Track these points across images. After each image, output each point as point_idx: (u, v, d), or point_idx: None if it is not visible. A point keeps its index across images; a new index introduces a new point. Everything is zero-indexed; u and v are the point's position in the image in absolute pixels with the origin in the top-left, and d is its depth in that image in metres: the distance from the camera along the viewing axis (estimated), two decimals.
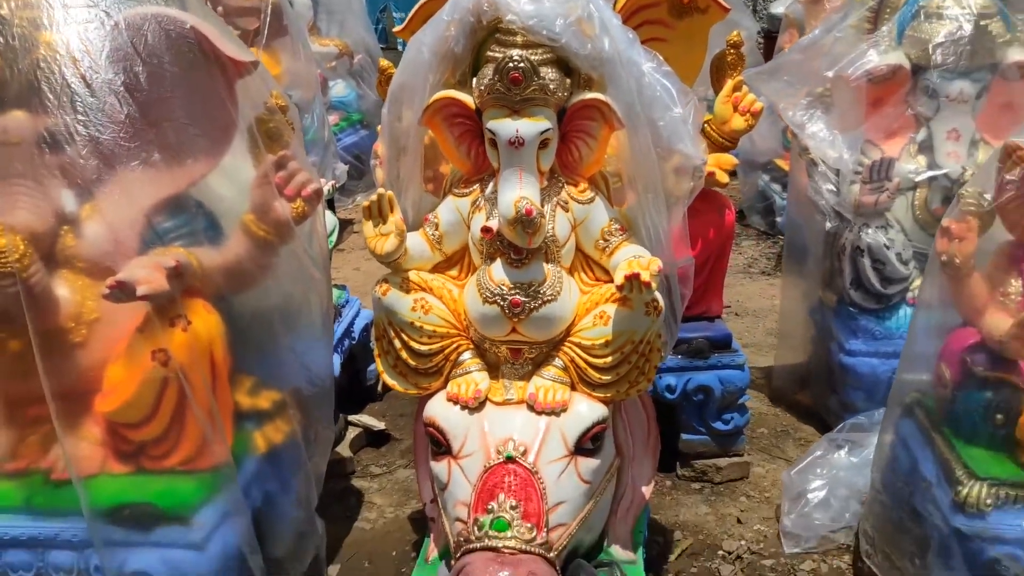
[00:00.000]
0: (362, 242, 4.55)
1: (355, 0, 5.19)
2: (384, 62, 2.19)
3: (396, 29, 2.11)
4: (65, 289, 1.56)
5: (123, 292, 1.42)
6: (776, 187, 4.32)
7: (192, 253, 1.57)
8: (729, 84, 2.11)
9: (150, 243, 1.58)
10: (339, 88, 5.08)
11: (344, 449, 2.29)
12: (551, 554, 1.34)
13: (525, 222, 1.37)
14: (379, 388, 2.69)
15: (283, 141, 1.69)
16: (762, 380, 2.71)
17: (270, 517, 1.70)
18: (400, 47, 6.78)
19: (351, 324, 2.49)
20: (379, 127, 2.15)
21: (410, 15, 1.97)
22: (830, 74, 2.27)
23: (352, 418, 2.42)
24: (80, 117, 1.50)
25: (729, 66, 2.14)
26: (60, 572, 1.54)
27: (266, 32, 3.58)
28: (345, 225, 4.50)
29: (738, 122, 2.09)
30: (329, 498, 1.99)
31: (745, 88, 2.11)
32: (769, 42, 5.72)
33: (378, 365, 1.55)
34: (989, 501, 1.57)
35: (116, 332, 1.56)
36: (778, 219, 4.26)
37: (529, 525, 1.34)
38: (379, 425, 2.42)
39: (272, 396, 1.77)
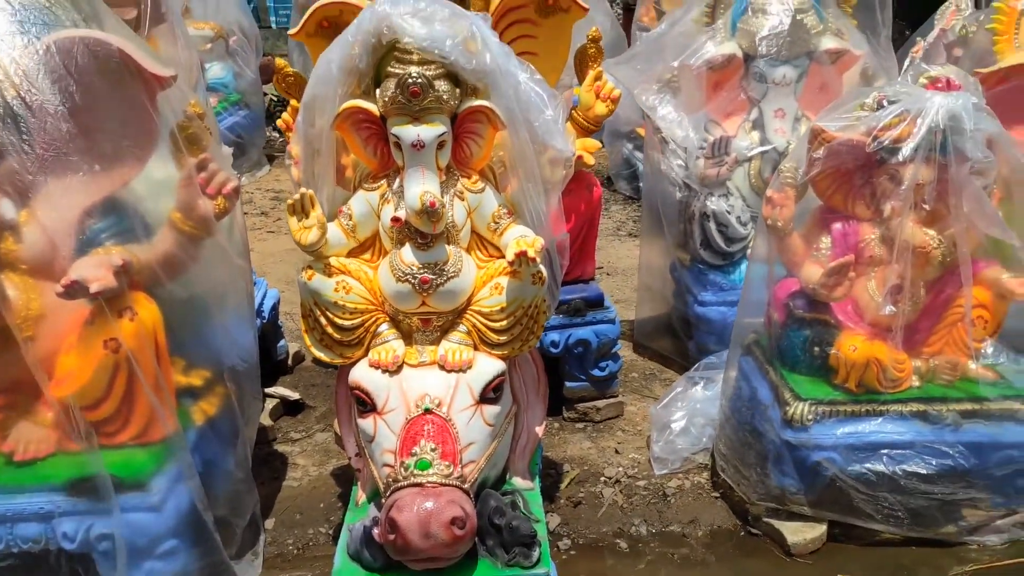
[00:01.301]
0: (255, 223, 4.65)
1: None
2: (280, 61, 2.38)
3: (291, 32, 2.29)
4: (11, 289, 1.71)
5: (77, 290, 1.60)
6: (639, 155, 4.69)
7: (128, 250, 1.76)
8: (591, 74, 2.40)
9: (86, 243, 1.75)
10: (216, 70, 5.13)
11: (264, 418, 2.51)
12: (466, 485, 1.63)
13: (430, 212, 1.63)
14: (289, 362, 2.90)
15: (202, 144, 1.86)
16: (631, 331, 3.07)
17: (212, 480, 1.90)
18: (273, 25, 6.81)
19: (260, 304, 2.67)
20: (282, 122, 2.35)
21: (304, 18, 2.17)
22: (676, 64, 2.62)
23: (269, 390, 2.63)
24: (20, 134, 1.65)
25: (590, 58, 2.43)
26: (28, 542, 1.71)
27: (147, 21, 3.64)
28: None
29: (600, 108, 2.40)
30: (256, 463, 2.19)
31: (605, 77, 2.41)
32: (628, 14, 6.10)
33: (305, 340, 1.78)
34: (810, 417, 1.96)
35: (60, 326, 1.73)
36: (642, 184, 4.64)
37: (447, 463, 1.62)
38: (294, 395, 2.64)
39: (203, 374, 1.97)
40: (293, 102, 2.32)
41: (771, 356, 2.10)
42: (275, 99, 6.38)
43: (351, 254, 1.80)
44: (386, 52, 1.66)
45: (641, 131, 4.68)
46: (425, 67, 1.62)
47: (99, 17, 1.81)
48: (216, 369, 1.97)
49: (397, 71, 1.63)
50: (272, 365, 2.80)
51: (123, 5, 3.76)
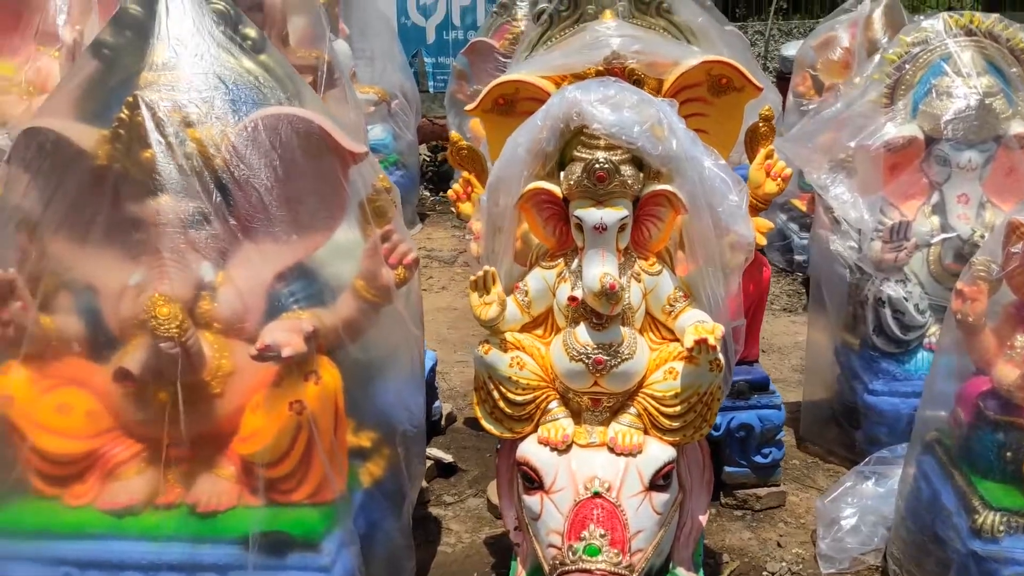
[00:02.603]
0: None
1: (395, 48, 5.47)
2: (454, 135, 2.46)
3: (468, 108, 2.36)
4: (205, 347, 1.82)
5: (270, 354, 1.69)
6: (794, 226, 4.58)
7: (315, 314, 1.84)
8: (762, 152, 2.36)
9: (275, 306, 1.85)
10: (376, 131, 5.35)
11: None
12: (634, 575, 1.60)
13: (609, 295, 1.63)
14: (442, 423, 2.94)
15: (387, 217, 1.93)
16: (791, 415, 2.95)
17: (374, 543, 1.94)
18: (431, 89, 7.10)
19: None
20: (452, 192, 2.41)
21: (481, 95, 2.24)
22: (852, 144, 2.55)
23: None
24: (224, 201, 1.77)
25: (762, 136, 2.39)
26: None
27: (323, 86, 3.87)
28: None
29: (771, 186, 2.34)
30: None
31: (776, 156, 2.37)
32: (782, 83, 6.01)
33: (476, 412, 1.80)
34: (1002, 528, 1.82)
35: (248, 385, 1.82)
36: (796, 257, 4.52)
37: (616, 550, 1.59)
38: (448, 458, 2.68)
39: (371, 435, 2.03)
40: (464, 174, 2.38)
41: (957, 458, 1.97)
42: (427, 159, 6.62)
43: (523, 329, 1.81)
44: (572, 136, 1.69)
45: (797, 203, 4.58)
46: (612, 152, 1.64)
47: (301, 95, 1.93)
48: (385, 432, 2.03)
49: (584, 155, 1.65)
50: (426, 426, 2.84)
51: (302, 73, 4.01)
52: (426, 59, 6.93)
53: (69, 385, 1.83)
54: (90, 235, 1.82)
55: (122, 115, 1.78)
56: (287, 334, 1.72)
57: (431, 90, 6.99)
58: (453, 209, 2.36)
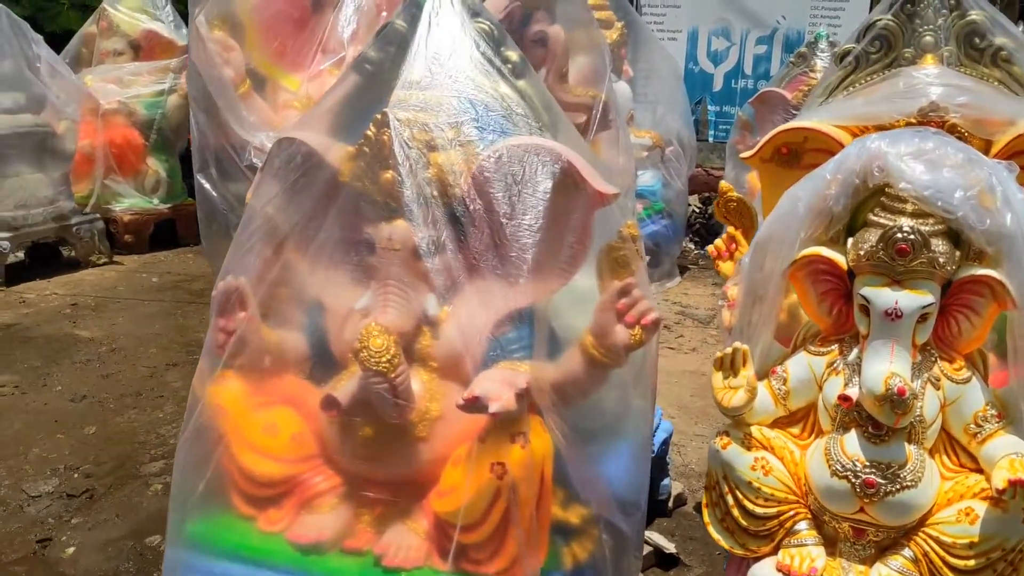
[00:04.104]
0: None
1: (679, 94, 5.27)
2: (724, 184, 2.19)
3: (744, 155, 2.08)
4: (417, 384, 1.67)
5: (477, 407, 1.50)
6: None
7: (534, 366, 1.64)
8: None
9: (494, 352, 1.67)
10: (646, 177, 5.16)
11: None
12: None
13: (895, 401, 1.28)
14: (670, 504, 2.63)
15: (630, 269, 1.70)
16: None
17: None
18: (710, 139, 6.81)
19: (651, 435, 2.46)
20: (713, 248, 2.13)
21: (761, 143, 1.96)
22: None
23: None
24: (456, 233, 1.63)
25: None
26: None
27: (595, 126, 3.74)
28: None
29: None
30: None
31: None
32: None
33: (704, 515, 1.52)
34: None
35: (454, 433, 1.66)
36: None
37: None
38: (670, 548, 2.36)
39: (581, 511, 1.78)
40: (730, 229, 2.11)
41: None
42: (696, 211, 6.32)
43: (776, 424, 1.50)
44: (870, 196, 1.37)
45: None
46: (920, 220, 1.30)
47: (556, 127, 1.76)
48: (596, 511, 1.77)
49: (882, 221, 1.32)
50: (651, 504, 2.55)
51: (575, 111, 3.92)
52: (710, 107, 6.63)
53: (280, 404, 1.76)
54: (326, 252, 1.76)
55: (369, 132, 1.70)
56: (499, 386, 1.53)
57: (711, 139, 6.68)
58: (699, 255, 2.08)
